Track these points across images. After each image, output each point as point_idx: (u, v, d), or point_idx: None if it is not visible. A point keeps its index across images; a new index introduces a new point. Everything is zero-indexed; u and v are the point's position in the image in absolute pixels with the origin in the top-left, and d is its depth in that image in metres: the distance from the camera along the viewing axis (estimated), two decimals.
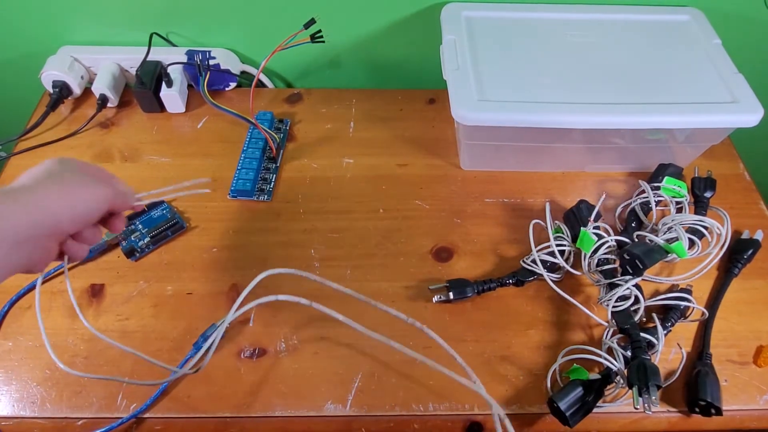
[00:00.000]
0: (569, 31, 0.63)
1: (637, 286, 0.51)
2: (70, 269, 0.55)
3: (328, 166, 0.65)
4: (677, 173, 0.60)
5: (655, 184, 0.58)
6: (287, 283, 0.54)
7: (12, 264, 0.34)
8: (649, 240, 0.53)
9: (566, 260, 0.54)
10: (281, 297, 0.48)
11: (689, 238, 0.53)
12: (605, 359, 0.47)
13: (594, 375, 0.47)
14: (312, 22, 0.58)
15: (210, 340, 0.47)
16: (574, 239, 0.54)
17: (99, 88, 0.68)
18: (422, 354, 0.49)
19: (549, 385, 0.48)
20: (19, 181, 0.35)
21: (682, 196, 0.57)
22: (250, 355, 0.50)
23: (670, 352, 0.51)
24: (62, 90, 0.68)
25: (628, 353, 0.47)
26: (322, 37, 0.59)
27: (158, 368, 0.47)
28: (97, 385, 0.48)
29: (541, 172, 0.64)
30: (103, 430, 0.46)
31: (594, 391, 0.46)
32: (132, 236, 0.57)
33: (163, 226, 0.57)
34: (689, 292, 0.53)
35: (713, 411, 0.46)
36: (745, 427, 0.49)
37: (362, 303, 0.50)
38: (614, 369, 0.46)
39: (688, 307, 0.52)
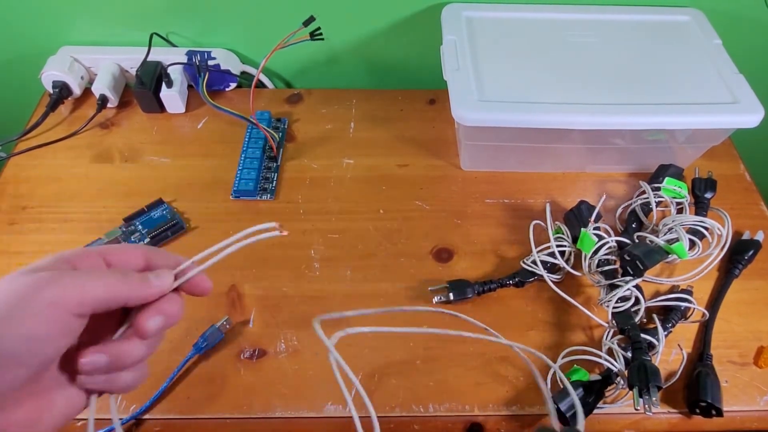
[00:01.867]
0: (569, 31, 0.63)
1: (637, 286, 0.51)
2: None
3: (328, 167, 0.65)
4: (678, 174, 0.60)
5: (656, 185, 0.58)
6: (287, 283, 0.54)
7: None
8: (650, 241, 0.53)
9: (566, 261, 0.54)
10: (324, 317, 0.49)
11: (690, 239, 0.53)
12: (605, 360, 0.47)
13: (594, 376, 0.47)
14: (311, 19, 0.58)
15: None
16: (575, 240, 0.54)
17: (99, 88, 0.67)
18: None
19: (549, 386, 0.48)
20: None
21: (682, 197, 0.57)
22: (250, 356, 0.50)
23: (670, 353, 0.51)
24: (62, 90, 0.68)
25: (629, 354, 0.47)
26: (321, 34, 0.58)
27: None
28: None
29: (541, 172, 0.64)
30: (102, 431, 0.46)
31: (594, 392, 0.46)
32: (132, 237, 0.57)
33: (163, 226, 0.57)
34: (690, 293, 0.53)
35: (714, 412, 0.46)
36: (745, 428, 0.49)
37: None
38: (615, 370, 0.46)
39: (689, 308, 0.52)
